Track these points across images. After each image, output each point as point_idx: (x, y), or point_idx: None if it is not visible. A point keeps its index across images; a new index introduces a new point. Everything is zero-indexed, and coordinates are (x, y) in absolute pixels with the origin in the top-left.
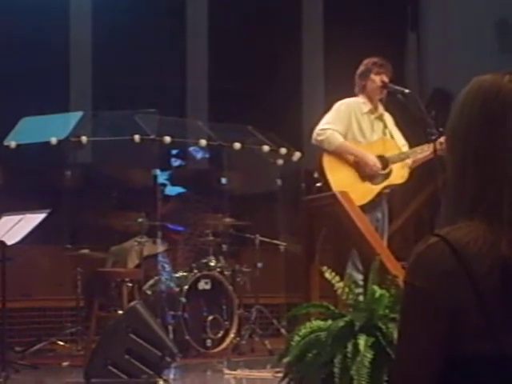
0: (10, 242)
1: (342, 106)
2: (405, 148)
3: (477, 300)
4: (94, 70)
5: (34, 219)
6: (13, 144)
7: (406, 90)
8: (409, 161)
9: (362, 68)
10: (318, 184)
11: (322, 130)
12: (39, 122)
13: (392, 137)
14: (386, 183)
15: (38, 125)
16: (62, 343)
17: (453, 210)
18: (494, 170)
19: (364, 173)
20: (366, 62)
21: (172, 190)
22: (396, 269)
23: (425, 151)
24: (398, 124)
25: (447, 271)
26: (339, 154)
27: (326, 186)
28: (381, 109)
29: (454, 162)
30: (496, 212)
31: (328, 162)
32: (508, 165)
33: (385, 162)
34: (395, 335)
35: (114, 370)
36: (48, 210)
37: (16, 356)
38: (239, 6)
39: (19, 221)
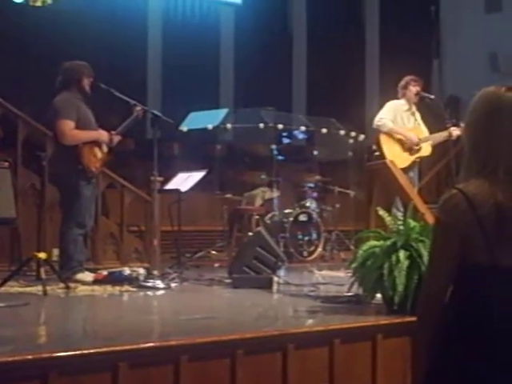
0: (183, 189)
1: (391, 105)
2: (426, 134)
3: (480, 230)
4: (236, 79)
5: (197, 175)
6: (185, 129)
7: (432, 96)
8: (431, 141)
9: (403, 82)
10: (376, 153)
11: (380, 118)
12: (201, 115)
13: (419, 126)
14: (417, 155)
15: (199, 116)
16: (214, 252)
17: (467, 173)
18: (493, 147)
19: (405, 146)
20: (406, 78)
21: (282, 158)
22: (424, 209)
23: (442, 136)
24: (423, 118)
25: (462, 211)
26: (390, 134)
27: (381, 154)
28: (413, 108)
29: (468, 142)
30: (494, 174)
31: (383, 139)
32: (503, 144)
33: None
34: (423, 251)
35: (247, 270)
36: (206, 170)
37: (186, 259)
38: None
39: (188, 176)
